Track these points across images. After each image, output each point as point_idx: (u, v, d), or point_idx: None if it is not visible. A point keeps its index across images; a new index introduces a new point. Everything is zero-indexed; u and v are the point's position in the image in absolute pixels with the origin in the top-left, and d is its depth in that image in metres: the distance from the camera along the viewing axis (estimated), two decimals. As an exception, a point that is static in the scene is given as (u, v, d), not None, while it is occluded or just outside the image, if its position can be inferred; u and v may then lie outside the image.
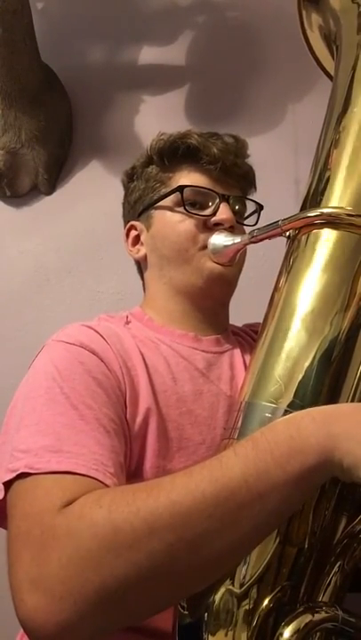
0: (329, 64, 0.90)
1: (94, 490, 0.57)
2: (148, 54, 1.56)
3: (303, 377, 0.62)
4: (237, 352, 0.86)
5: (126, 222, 0.94)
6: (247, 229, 0.84)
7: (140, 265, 0.93)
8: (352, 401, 0.63)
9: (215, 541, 0.52)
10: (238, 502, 0.52)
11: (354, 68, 0.76)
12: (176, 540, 0.51)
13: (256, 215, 0.90)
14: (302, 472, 0.52)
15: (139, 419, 0.71)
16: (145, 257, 0.90)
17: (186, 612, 0.60)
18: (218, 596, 0.58)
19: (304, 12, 0.89)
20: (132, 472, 0.70)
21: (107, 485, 0.59)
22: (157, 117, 1.50)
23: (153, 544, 0.51)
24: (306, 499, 0.58)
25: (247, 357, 0.86)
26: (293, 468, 0.52)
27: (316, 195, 0.72)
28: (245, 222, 0.89)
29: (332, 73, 0.85)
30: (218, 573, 0.57)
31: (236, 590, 0.58)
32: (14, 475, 0.60)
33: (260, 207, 0.90)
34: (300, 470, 0.52)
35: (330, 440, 0.52)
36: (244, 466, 0.53)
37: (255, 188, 0.92)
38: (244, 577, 0.58)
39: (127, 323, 0.85)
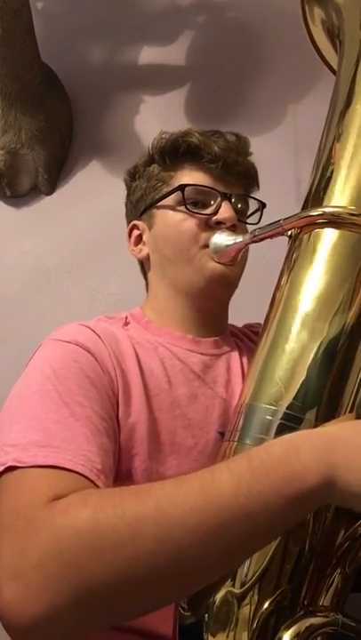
0: (332, 59, 0.90)
1: (80, 485, 0.57)
2: (148, 54, 1.56)
3: (304, 379, 0.62)
4: (235, 355, 0.86)
5: (128, 222, 0.93)
6: (250, 228, 0.84)
7: (144, 265, 0.93)
8: (353, 403, 0.62)
9: (198, 554, 0.51)
10: (226, 519, 0.51)
11: (357, 63, 0.76)
12: (158, 549, 0.50)
13: (258, 214, 0.89)
14: (297, 497, 0.52)
15: (130, 421, 0.71)
16: (147, 257, 0.89)
17: (186, 613, 0.60)
18: (219, 597, 0.58)
19: (307, 7, 0.88)
20: (123, 473, 0.69)
21: (92, 481, 0.59)
22: (157, 117, 1.50)
23: (134, 549, 0.50)
24: (297, 521, 0.56)
25: (244, 360, 0.85)
26: (289, 493, 0.52)
27: (318, 192, 0.71)
28: (248, 221, 0.88)
29: (335, 67, 0.85)
30: (200, 584, 0.56)
31: (237, 591, 0.57)
32: (2, 468, 0.60)
33: (262, 205, 0.89)
34: (295, 495, 0.52)
35: (330, 469, 0.52)
36: (236, 483, 0.52)
37: (258, 186, 0.91)
38: (244, 578, 0.57)
39: (126, 324, 0.85)
